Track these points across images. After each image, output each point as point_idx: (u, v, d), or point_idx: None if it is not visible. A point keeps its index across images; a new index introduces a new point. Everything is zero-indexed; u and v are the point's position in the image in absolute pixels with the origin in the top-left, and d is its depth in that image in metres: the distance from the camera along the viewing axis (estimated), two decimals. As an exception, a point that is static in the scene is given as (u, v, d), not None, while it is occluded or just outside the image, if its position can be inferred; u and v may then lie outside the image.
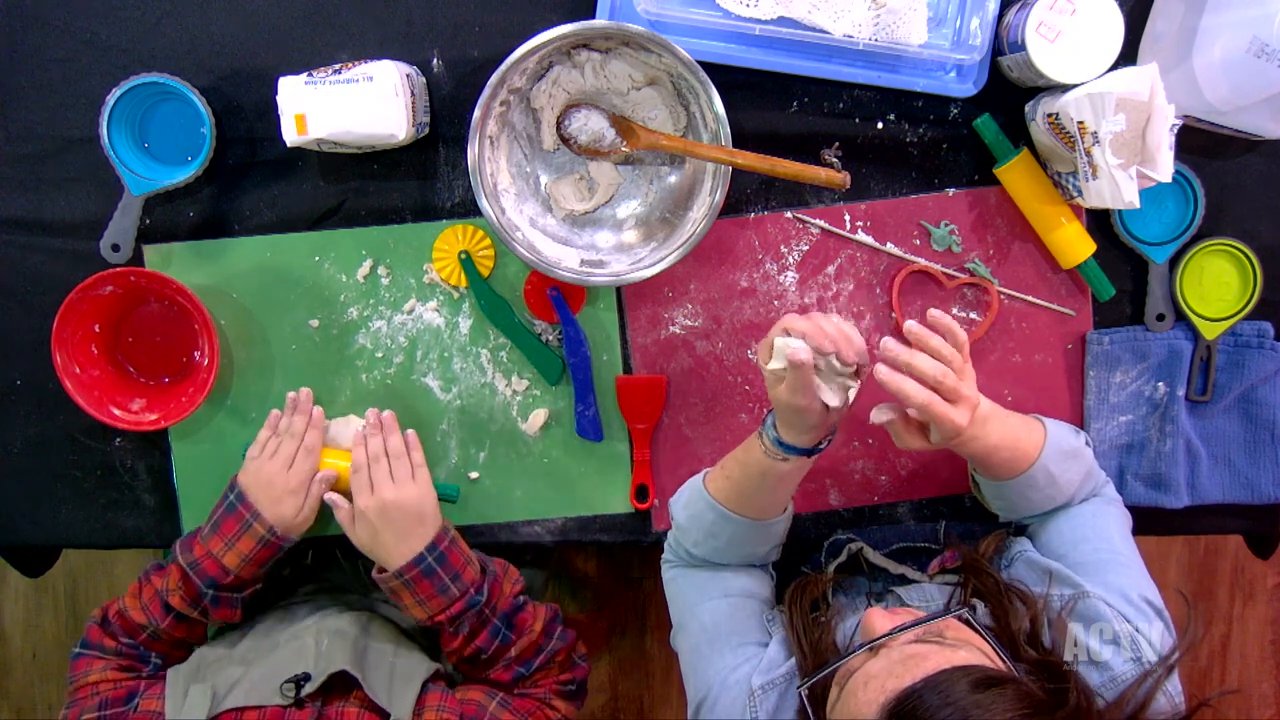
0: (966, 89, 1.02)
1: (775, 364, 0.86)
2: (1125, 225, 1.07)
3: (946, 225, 1.08)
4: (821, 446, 0.93)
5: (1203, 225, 1.06)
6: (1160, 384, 1.09)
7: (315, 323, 1.10)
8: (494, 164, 1.01)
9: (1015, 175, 1.05)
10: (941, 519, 1.13)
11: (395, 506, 1.02)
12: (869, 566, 1.06)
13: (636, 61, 1.01)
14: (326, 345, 1.11)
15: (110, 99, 1.01)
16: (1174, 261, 1.07)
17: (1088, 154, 0.92)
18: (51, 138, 1.07)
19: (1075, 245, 1.05)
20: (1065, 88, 0.95)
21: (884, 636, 0.74)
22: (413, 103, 1.00)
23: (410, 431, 1.09)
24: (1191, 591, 2.07)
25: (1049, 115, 0.96)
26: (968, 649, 0.73)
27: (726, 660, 0.92)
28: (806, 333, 0.85)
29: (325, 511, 1.11)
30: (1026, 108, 1.03)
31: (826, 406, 0.88)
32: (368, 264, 1.09)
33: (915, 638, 0.74)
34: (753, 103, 1.04)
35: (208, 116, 1.03)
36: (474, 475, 1.13)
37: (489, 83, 0.95)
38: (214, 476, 1.08)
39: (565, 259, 1.03)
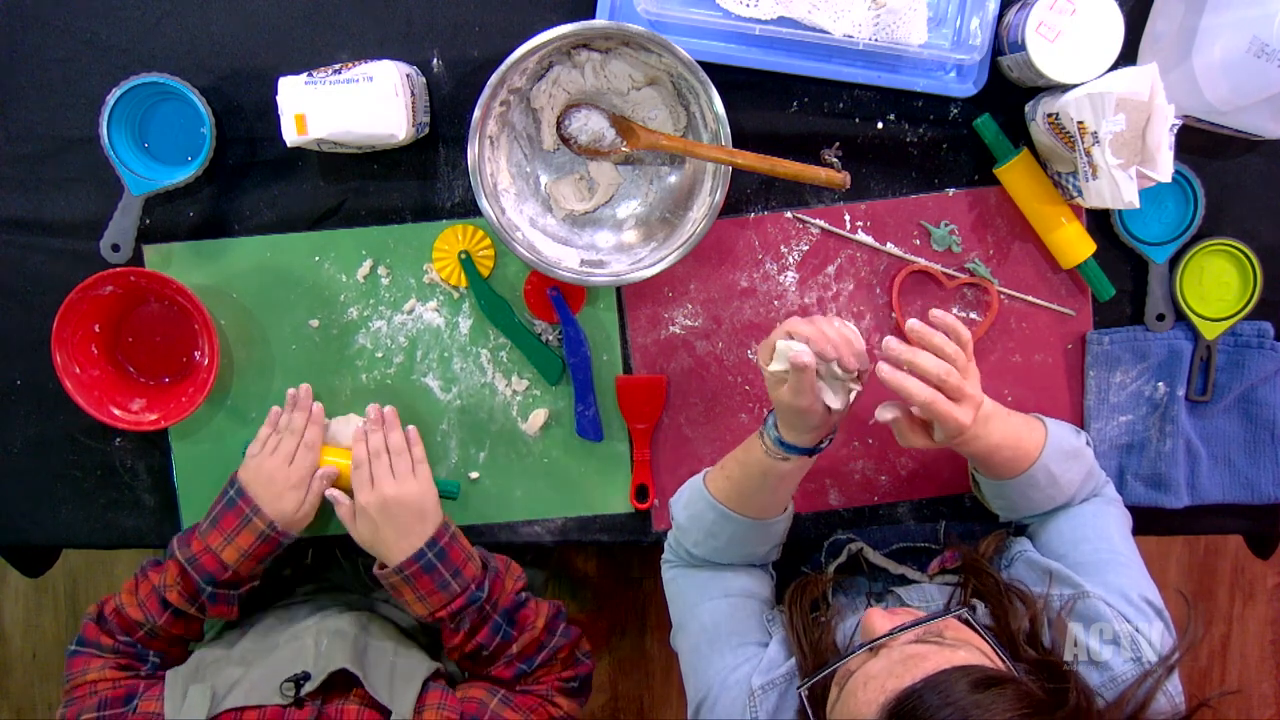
0: (966, 89, 1.02)
1: (776, 366, 0.86)
2: (1125, 225, 1.07)
3: (946, 225, 1.08)
4: (823, 446, 0.93)
5: (1203, 225, 1.06)
6: (1160, 384, 1.09)
7: (315, 323, 1.10)
8: (494, 164, 1.01)
9: (1015, 175, 1.05)
10: (941, 519, 1.13)
11: (396, 502, 1.02)
12: (869, 566, 1.06)
13: (636, 61, 1.01)
14: (326, 345, 1.11)
15: (110, 99, 1.01)
16: (1174, 261, 1.07)
17: (1088, 154, 0.92)
18: (51, 138, 1.07)
19: (1075, 245, 1.05)
20: (1065, 88, 0.95)
21: (884, 637, 0.74)
22: (413, 103, 1.00)
23: (411, 427, 1.09)
24: (1191, 591, 2.07)
25: (1049, 115, 0.96)
26: (967, 649, 0.73)
27: (726, 660, 0.92)
28: (810, 337, 0.85)
29: (325, 511, 1.11)
30: (1026, 108, 1.03)
31: (828, 408, 0.88)
32: (368, 264, 1.09)
33: (915, 638, 0.74)
34: (753, 103, 1.04)
35: (208, 116, 1.03)
36: (474, 475, 1.13)
37: (489, 83, 0.95)
38: (214, 476, 1.08)
39: (565, 259, 1.03)
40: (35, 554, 1.21)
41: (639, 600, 2.02)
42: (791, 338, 0.86)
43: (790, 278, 1.10)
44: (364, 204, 1.08)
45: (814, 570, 1.10)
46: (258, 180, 1.08)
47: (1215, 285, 1.07)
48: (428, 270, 1.09)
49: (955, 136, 1.06)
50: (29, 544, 1.16)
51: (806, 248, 1.09)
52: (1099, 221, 1.07)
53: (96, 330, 1.07)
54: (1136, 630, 0.82)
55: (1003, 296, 1.09)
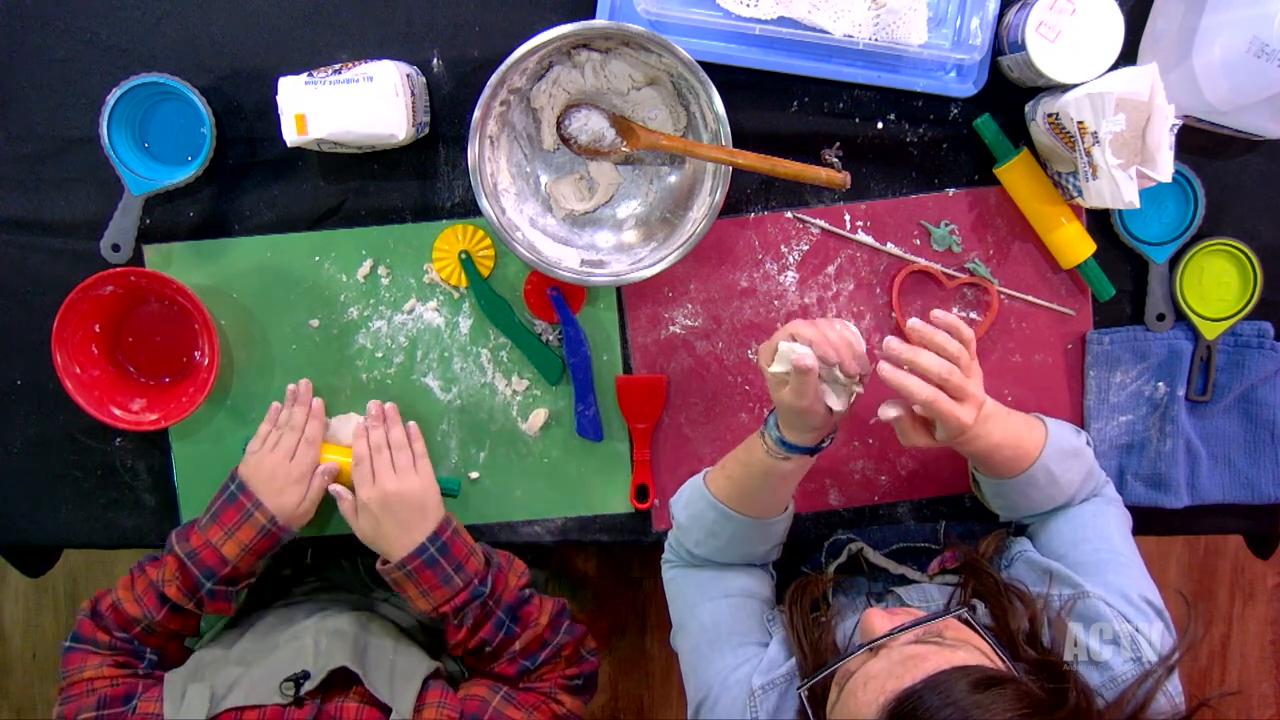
0: (966, 89, 1.02)
1: (778, 367, 0.86)
2: (1125, 225, 1.07)
3: (946, 225, 1.08)
4: (824, 445, 0.93)
5: (1203, 225, 1.06)
6: (1160, 384, 1.09)
7: (315, 323, 1.10)
8: (494, 164, 1.01)
9: (1015, 175, 1.05)
10: (941, 519, 1.13)
11: (397, 497, 1.02)
12: (869, 566, 1.06)
13: (636, 61, 1.01)
14: (326, 345, 1.11)
15: (110, 99, 1.01)
16: (1174, 261, 1.07)
17: (1088, 154, 0.92)
18: (51, 138, 1.07)
19: (1075, 245, 1.05)
20: (1065, 88, 0.95)
21: (883, 637, 0.74)
22: (413, 103, 1.00)
23: (412, 423, 1.09)
24: (1191, 591, 2.07)
25: (1049, 115, 0.96)
26: (967, 649, 0.73)
27: (727, 660, 0.92)
28: (813, 340, 0.85)
29: (324, 510, 1.11)
30: (1026, 108, 1.03)
31: (830, 409, 0.88)
32: (368, 264, 1.09)
33: (915, 638, 0.74)
34: (753, 103, 1.04)
35: (208, 116, 1.03)
36: (474, 475, 1.13)
37: (489, 83, 0.95)
38: (214, 476, 1.08)
39: (565, 259, 1.03)
40: (35, 554, 1.21)
41: (639, 600, 2.02)
42: (794, 340, 0.86)
43: (790, 278, 1.10)
44: (364, 204, 1.08)
45: (814, 570, 1.10)
46: (258, 180, 1.08)
47: (1215, 285, 1.07)
48: (428, 270, 1.09)
49: (955, 136, 1.06)
50: (29, 544, 1.16)
51: (807, 248, 1.09)
52: (1099, 221, 1.07)
53: (97, 330, 1.07)
54: (1136, 630, 0.82)
55: (1003, 296, 1.09)
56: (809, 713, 0.77)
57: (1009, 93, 1.03)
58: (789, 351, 0.85)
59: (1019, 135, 1.05)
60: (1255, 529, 1.16)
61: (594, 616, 2.01)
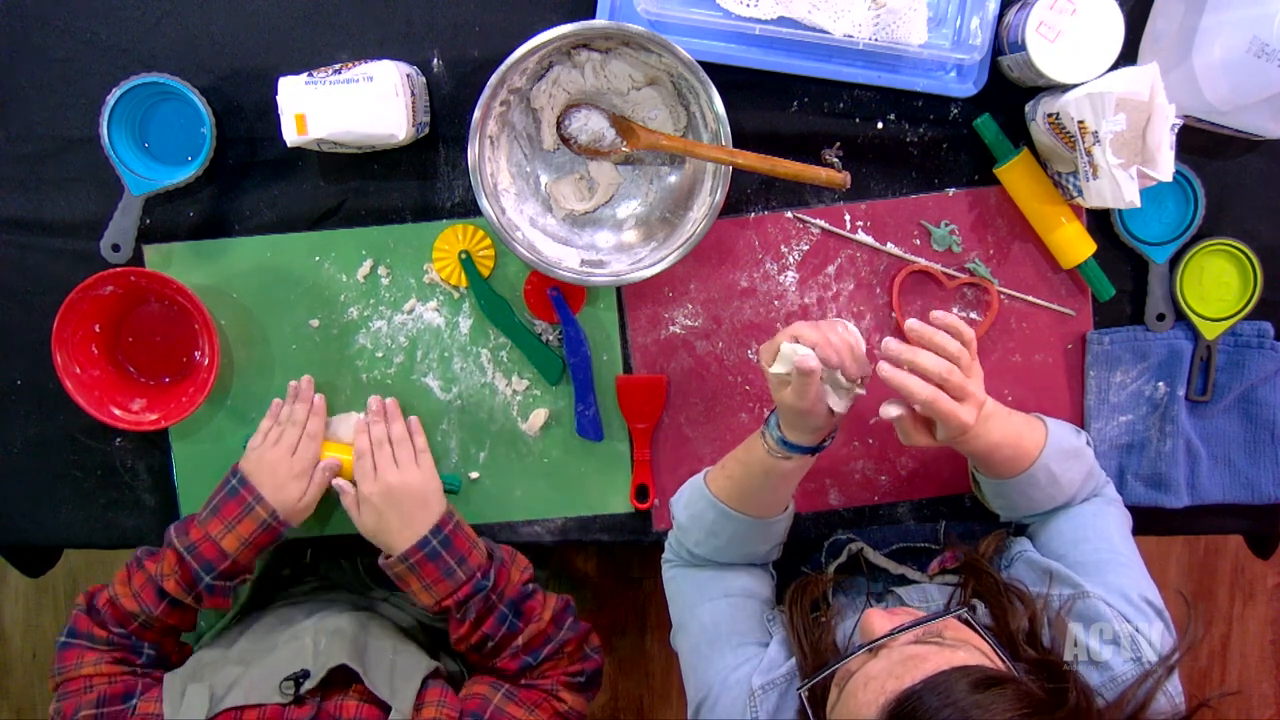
0: (966, 89, 1.02)
1: (779, 368, 0.86)
2: (1125, 225, 1.07)
3: (947, 225, 1.08)
4: (825, 444, 0.93)
5: (1203, 225, 1.06)
6: (1160, 384, 1.09)
7: (315, 323, 1.10)
8: (494, 164, 1.01)
9: (1015, 175, 1.05)
10: (941, 519, 1.13)
11: (400, 490, 1.02)
12: (869, 566, 1.06)
13: (636, 61, 1.01)
14: (327, 345, 1.11)
15: (110, 99, 1.01)
16: (1174, 261, 1.07)
17: (1088, 154, 0.92)
18: (51, 138, 1.07)
19: (1075, 245, 1.05)
20: (1065, 87, 0.95)
21: (883, 637, 0.74)
22: (413, 103, 1.00)
23: (413, 417, 1.09)
24: (1191, 591, 2.07)
25: (1049, 115, 0.96)
26: (967, 649, 0.73)
27: (727, 660, 0.92)
28: (816, 343, 0.85)
29: (323, 510, 1.11)
30: (1026, 108, 1.03)
31: (831, 410, 0.88)
32: (368, 264, 1.09)
33: (914, 638, 0.74)
34: (753, 103, 1.04)
35: (208, 116, 1.03)
36: (474, 475, 1.13)
37: (489, 83, 0.95)
38: (214, 476, 1.08)
39: (565, 259, 1.03)
40: (36, 554, 1.21)
41: (639, 600, 2.02)
42: (797, 341, 0.86)
43: (790, 278, 1.10)
44: (364, 204, 1.08)
45: (814, 570, 1.09)
46: (258, 180, 1.08)
47: (1215, 285, 1.07)
48: (428, 270, 1.09)
49: (955, 136, 1.06)
50: (29, 544, 1.16)
51: (807, 247, 1.09)
52: (1099, 221, 1.07)
53: (97, 330, 1.07)
54: (1136, 630, 0.82)
55: (1003, 296, 1.09)
56: (809, 713, 0.77)
57: (1009, 93, 1.03)
58: (791, 353, 0.85)
59: (1019, 135, 1.05)
60: (1255, 529, 1.16)
61: (594, 616, 2.00)
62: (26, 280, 1.09)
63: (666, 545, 1.06)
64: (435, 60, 1.06)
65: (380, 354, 1.11)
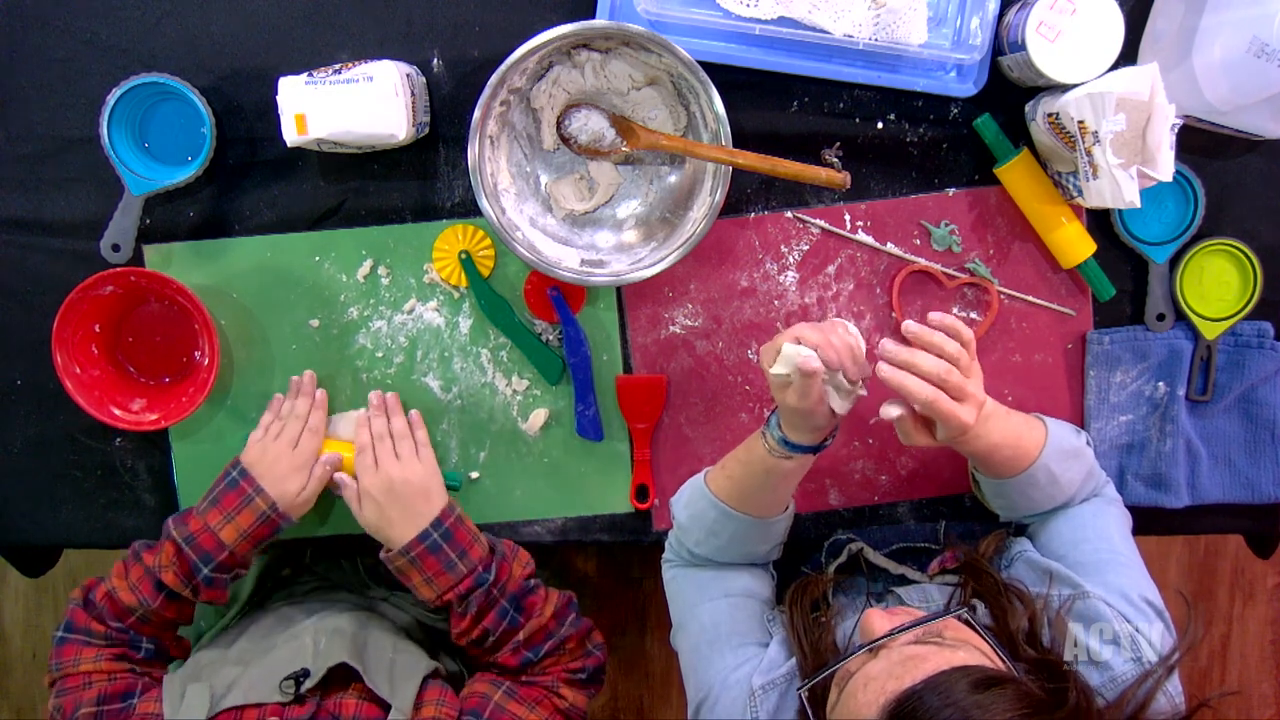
0: (967, 89, 1.02)
1: (779, 369, 0.86)
2: (1125, 225, 1.07)
3: (947, 225, 1.08)
4: (826, 443, 0.93)
5: (1203, 225, 1.06)
6: (1160, 384, 1.09)
7: (315, 323, 1.10)
8: (494, 164, 1.01)
9: (1015, 175, 1.05)
10: (941, 519, 1.13)
11: (401, 483, 1.02)
12: (869, 567, 1.06)
13: (636, 61, 1.01)
14: (327, 345, 1.11)
15: (110, 99, 1.01)
16: (1174, 261, 1.07)
17: (1088, 154, 0.92)
18: (51, 138, 1.07)
19: (1075, 245, 1.05)
20: (1065, 87, 0.95)
21: (883, 638, 0.74)
22: (413, 103, 1.00)
23: (414, 411, 1.09)
24: (1191, 591, 2.07)
25: (1049, 115, 0.96)
26: (966, 649, 0.73)
27: (727, 660, 0.92)
28: (818, 344, 0.85)
29: (324, 507, 1.11)
30: (1026, 107, 1.03)
31: (832, 410, 0.88)
32: (368, 264, 1.09)
33: (914, 638, 0.74)
34: (753, 103, 1.04)
35: (208, 116, 1.03)
36: (474, 475, 1.13)
37: (489, 83, 0.95)
38: (214, 476, 1.08)
39: (565, 259, 1.03)
40: (35, 554, 1.21)
41: (639, 600, 2.02)
42: (799, 343, 0.86)
43: (790, 277, 1.10)
44: (364, 204, 1.08)
45: (814, 570, 1.10)
46: (258, 180, 1.08)
47: (1215, 285, 1.07)
48: (428, 270, 1.09)
49: (955, 136, 1.06)
50: (29, 544, 1.16)
51: (807, 247, 1.09)
52: (1099, 221, 1.07)
53: (97, 330, 1.07)
54: (1136, 630, 0.82)
55: (1003, 296, 1.09)
56: (809, 713, 0.77)
57: (1009, 93, 1.03)
58: (794, 354, 0.85)
59: (1019, 135, 1.05)
60: (1255, 529, 1.16)
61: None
62: (26, 280, 1.09)
63: (667, 545, 1.06)
64: (435, 60, 1.06)
65: (380, 354, 1.11)
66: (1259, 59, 0.88)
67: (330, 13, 1.05)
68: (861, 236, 1.08)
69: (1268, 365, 1.08)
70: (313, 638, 1.02)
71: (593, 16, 1.02)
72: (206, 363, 1.07)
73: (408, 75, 1.00)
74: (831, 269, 1.09)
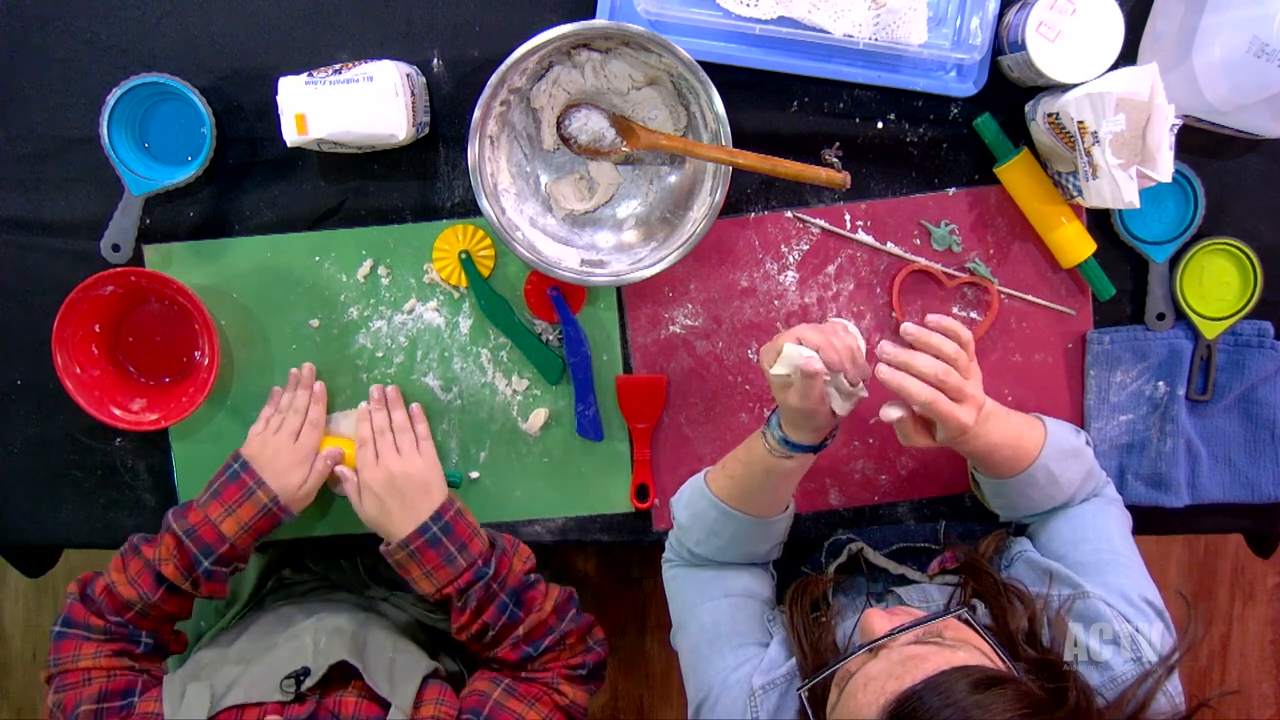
0: (967, 88, 1.02)
1: (780, 369, 0.86)
2: (1125, 225, 1.07)
3: (947, 225, 1.08)
4: (827, 442, 0.93)
5: (1203, 225, 1.06)
6: (1160, 383, 1.09)
7: (315, 323, 1.10)
8: (494, 164, 1.01)
9: (1015, 175, 1.05)
10: (941, 519, 1.13)
11: (402, 476, 1.02)
12: (869, 567, 1.06)
13: (636, 61, 1.01)
14: (327, 345, 1.11)
15: (110, 99, 1.01)
16: (1174, 261, 1.07)
17: (1088, 154, 0.92)
18: (51, 138, 1.07)
19: (1075, 245, 1.05)
20: (1065, 87, 0.95)
21: (883, 638, 0.74)
22: (413, 103, 1.00)
23: (415, 405, 1.09)
24: (1191, 591, 2.07)
25: (1049, 115, 0.96)
26: (966, 649, 0.73)
27: (727, 660, 0.92)
28: (820, 346, 0.85)
29: (324, 503, 1.11)
30: (1026, 107, 1.03)
31: (833, 410, 0.88)
32: (368, 264, 1.09)
33: (914, 639, 0.74)
34: (753, 103, 1.04)
35: (208, 116, 1.03)
36: (474, 475, 1.13)
37: (489, 83, 0.95)
38: (214, 476, 1.08)
39: (565, 259, 1.03)
40: (36, 554, 1.21)
41: (639, 600, 2.02)
42: (800, 344, 0.86)
43: (790, 277, 1.10)
44: (364, 204, 1.08)
45: (814, 570, 1.10)
46: (258, 180, 1.08)
47: (1215, 284, 1.07)
48: (428, 270, 1.09)
49: (955, 136, 1.06)
50: (29, 544, 1.16)
51: (807, 247, 1.09)
52: (1099, 221, 1.07)
53: (97, 330, 1.07)
54: (1136, 630, 0.82)
55: (1003, 296, 1.09)
56: (809, 713, 0.77)
57: (1009, 92, 1.03)
58: (795, 355, 0.85)
59: (1019, 135, 1.05)
60: (1255, 528, 1.16)
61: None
62: (26, 280, 1.09)
63: (667, 545, 1.06)
64: (435, 60, 1.06)
65: (380, 354, 1.11)
66: (1259, 59, 0.88)
67: (330, 13, 1.05)
68: (861, 236, 1.08)
69: (1268, 365, 1.08)
70: (313, 637, 1.02)
71: (593, 16, 1.02)
72: (206, 363, 1.07)
73: (408, 75, 1.00)
74: (831, 269, 1.09)
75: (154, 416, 1.06)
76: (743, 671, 0.89)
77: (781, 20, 0.97)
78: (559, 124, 1.03)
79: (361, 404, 1.09)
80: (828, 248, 1.09)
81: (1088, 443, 1.02)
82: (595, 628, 1.08)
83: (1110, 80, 0.91)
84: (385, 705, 0.95)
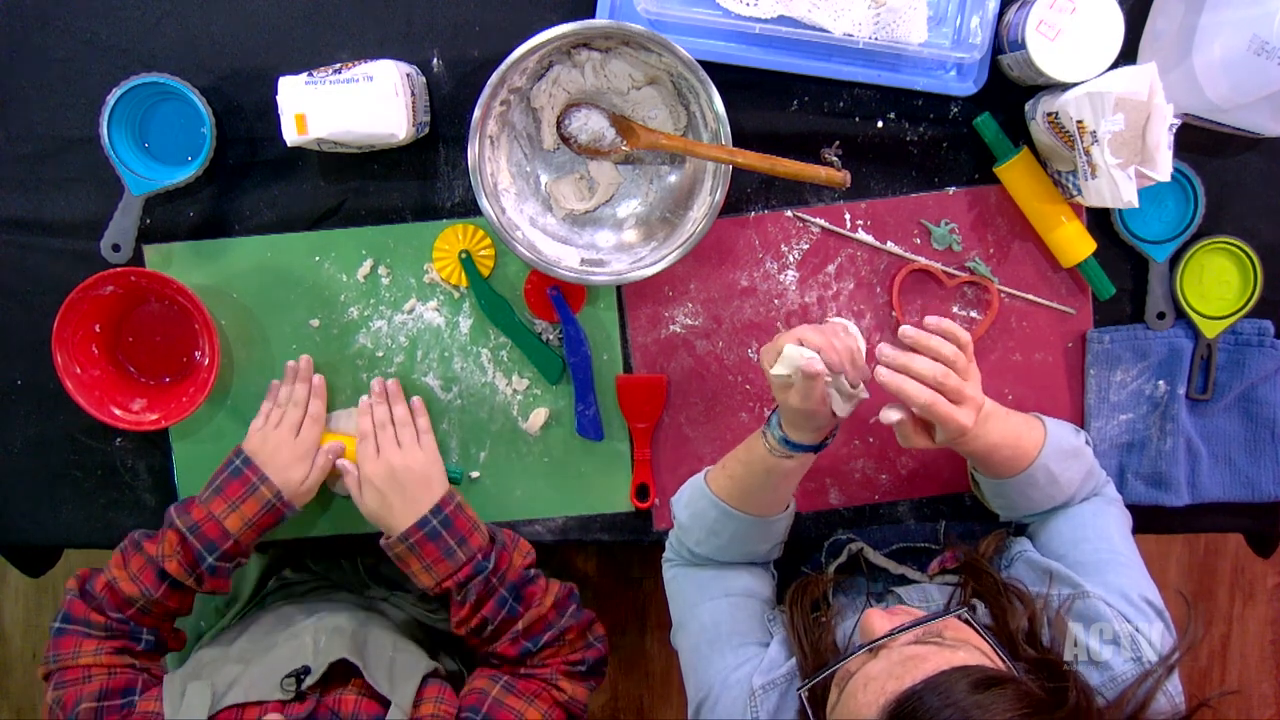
0: (967, 88, 1.02)
1: (780, 370, 0.86)
2: (1125, 224, 1.06)
3: (947, 224, 1.08)
4: (827, 442, 0.93)
5: (1203, 223, 1.06)
6: (1160, 382, 1.09)
7: (315, 322, 1.10)
8: (494, 163, 1.01)
9: (1015, 174, 1.05)
10: (941, 518, 1.13)
11: (403, 470, 1.02)
12: (869, 567, 1.06)
13: (636, 61, 1.01)
14: (327, 345, 1.11)
15: (110, 99, 1.01)
16: (1174, 260, 1.07)
17: (1087, 153, 0.92)
18: (51, 138, 1.07)
19: (1075, 244, 1.05)
20: (1065, 86, 0.95)
21: (883, 638, 0.74)
22: (413, 103, 1.00)
23: (416, 398, 1.09)
24: (1191, 591, 2.07)
25: (1049, 114, 0.96)
26: (966, 649, 0.73)
27: (727, 660, 0.92)
28: (821, 347, 0.85)
29: (324, 501, 1.11)
30: (1026, 106, 1.03)
31: (833, 411, 0.88)
32: (368, 264, 1.09)
33: (914, 638, 0.74)
34: (753, 102, 1.04)
35: (208, 116, 1.03)
36: (474, 474, 1.13)
37: (489, 82, 0.95)
38: (214, 476, 1.08)
39: (565, 258, 1.03)
40: (36, 554, 1.21)
41: (639, 600, 2.02)
42: (801, 344, 0.86)
43: (790, 277, 1.10)
44: (364, 204, 1.08)
45: (814, 570, 1.09)
46: (258, 180, 1.08)
47: (1215, 283, 1.07)
48: (428, 270, 1.09)
49: (955, 135, 1.06)
50: (29, 544, 1.16)
51: (807, 246, 1.09)
52: (1099, 220, 1.07)
53: (97, 330, 1.07)
54: (1136, 630, 0.82)
55: (1003, 295, 1.09)
56: (809, 713, 0.77)
57: (1009, 91, 1.03)
58: (796, 356, 0.85)
59: (1019, 134, 1.05)
60: (1255, 528, 1.16)
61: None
62: (26, 280, 1.09)
63: (667, 544, 1.06)
64: (435, 60, 1.06)
65: (380, 354, 1.11)
66: (1259, 57, 0.88)
67: (330, 13, 1.05)
68: (861, 235, 1.08)
69: (1268, 364, 1.08)
70: (313, 636, 1.02)
71: (593, 16, 1.02)
72: (206, 363, 1.07)
73: (408, 75, 1.00)
74: (831, 268, 1.09)
75: (154, 416, 1.06)
76: (743, 671, 0.89)
77: (781, 19, 0.97)
78: (559, 123, 1.03)
79: (363, 398, 1.09)
80: (828, 247, 1.09)
81: (1087, 442, 1.02)
82: (595, 624, 1.08)
83: (1109, 80, 0.91)
84: (385, 703, 0.95)
